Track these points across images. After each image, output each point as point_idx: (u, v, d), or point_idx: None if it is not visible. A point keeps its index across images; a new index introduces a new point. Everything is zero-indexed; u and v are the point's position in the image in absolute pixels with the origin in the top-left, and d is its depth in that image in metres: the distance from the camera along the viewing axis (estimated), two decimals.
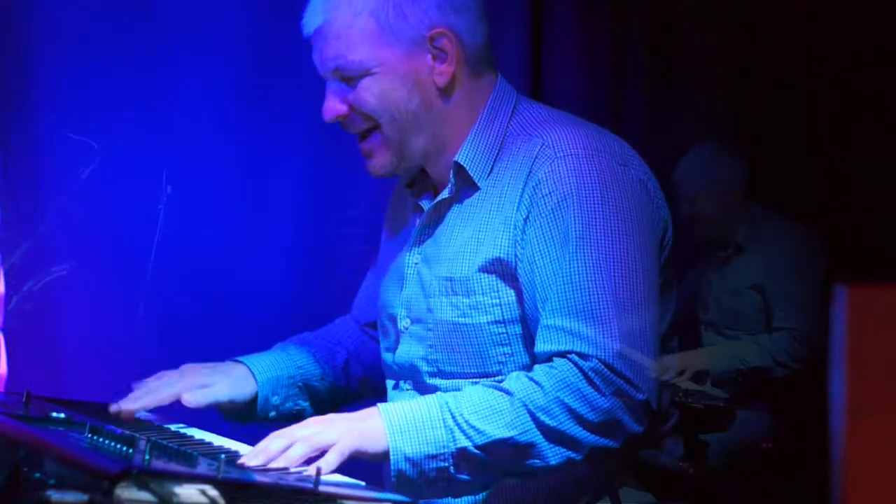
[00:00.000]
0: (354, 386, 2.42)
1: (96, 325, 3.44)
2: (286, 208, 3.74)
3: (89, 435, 1.72)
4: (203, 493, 1.45)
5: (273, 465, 1.78)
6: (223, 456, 1.74)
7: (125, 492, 1.41)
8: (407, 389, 2.15)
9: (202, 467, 1.62)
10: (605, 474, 2.07)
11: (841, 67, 4.25)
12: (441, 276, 2.08)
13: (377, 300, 2.30)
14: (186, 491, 1.44)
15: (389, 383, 2.22)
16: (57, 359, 3.41)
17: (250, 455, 1.83)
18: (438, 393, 1.97)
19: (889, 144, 3.99)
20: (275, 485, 1.60)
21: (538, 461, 1.90)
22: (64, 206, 3.41)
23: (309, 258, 3.76)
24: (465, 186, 2.10)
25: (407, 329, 2.14)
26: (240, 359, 2.32)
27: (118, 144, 3.38)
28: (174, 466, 1.57)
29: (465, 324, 2.04)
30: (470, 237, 2.07)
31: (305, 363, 2.36)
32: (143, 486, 1.42)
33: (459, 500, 2.03)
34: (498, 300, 2.03)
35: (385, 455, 1.87)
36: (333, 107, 2.10)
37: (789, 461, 3.92)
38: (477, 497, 2.04)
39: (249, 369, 2.30)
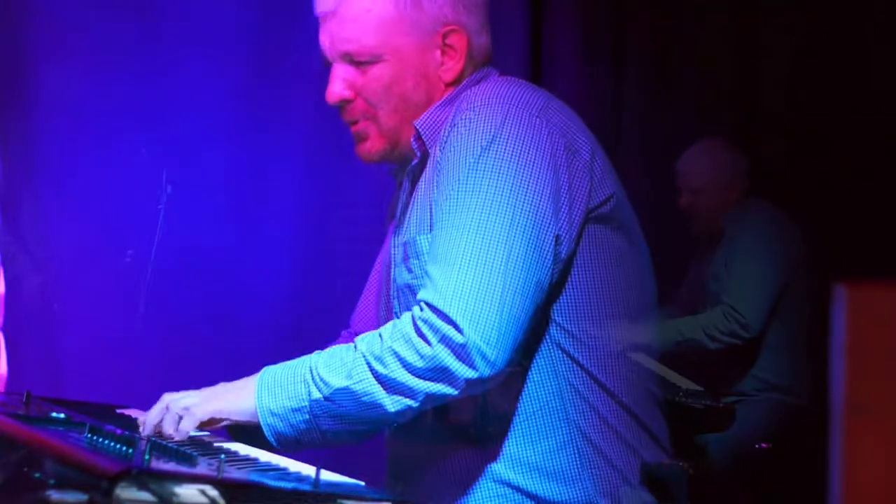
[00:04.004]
0: None
1: (97, 325, 3.44)
2: (286, 207, 3.74)
3: (89, 435, 1.72)
4: (203, 493, 1.45)
5: (144, 432, 1.95)
6: (223, 456, 1.75)
7: (125, 492, 1.41)
8: None
9: (202, 467, 1.62)
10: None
11: (841, 66, 4.25)
12: (401, 243, 2.11)
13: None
14: (186, 491, 1.44)
15: None
16: (57, 359, 3.42)
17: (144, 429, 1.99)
18: (317, 351, 2.03)
19: (890, 143, 3.99)
20: (275, 485, 1.60)
21: (379, 409, 1.93)
22: (64, 205, 3.41)
23: (309, 257, 3.76)
24: (427, 155, 2.12)
25: (393, 309, 2.15)
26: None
27: (118, 144, 3.39)
28: (174, 466, 1.57)
29: (419, 285, 2.05)
30: (418, 200, 2.10)
31: None
32: (142, 486, 1.42)
33: None
34: None
35: (253, 415, 1.97)
36: (339, 90, 2.11)
37: (789, 460, 3.92)
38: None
39: None
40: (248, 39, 3.66)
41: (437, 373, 1.90)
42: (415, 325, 1.91)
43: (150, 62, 3.48)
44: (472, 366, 1.89)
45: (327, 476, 1.72)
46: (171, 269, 3.47)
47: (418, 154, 2.12)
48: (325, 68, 2.16)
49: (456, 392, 1.92)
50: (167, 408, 1.99)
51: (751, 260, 4.08)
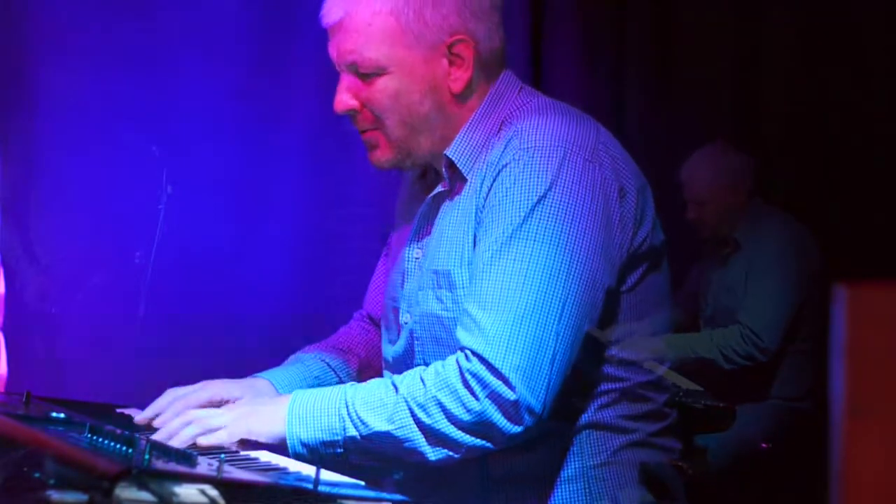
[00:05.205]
0: None
1: (97, 325, 3.44)
2: (286, 207, 3.74)
3: (89, 435, 1.72)
4: (203, 493, 1.45)
5: (169, 442, 1.90)
6: (223, 456, 1.75)
7: (125, 492, 1.41)
8: None
9: (202, 467, 1.62)
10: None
11: (842, 67, 4.25)
12: (430, 270, 2.10)
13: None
14: (186, 491, 1.44)
15: (386, 375, 2.22)
16: (57, 359, 3.42)
17: (158, 434, 1.95)
18: (350, 382, 2.03)
19: (891, 143, 3.99)
20: (275, 485, 1.60)
21: (419, 456, 1.93)
22: (64, 205, 3.41)
23: (309, 255, 3.76)
24: (458, 180, 2.11)
25: (406, 323, 2.14)
26: (259, 374, 2.32)
27: (118, 144, 3.39)
28: (174, 466, 1.57)
29: (449, 317, 2.04)
30: (453, 230, 2.08)
31: (322, 374, 2.36)
32: (142, 486, 1.42)
33: None
34: None
35: (282, 441, 1.95)
36: (346, 100, 2.10)
37: (789, 461, 3.92)
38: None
39: (271, 383, 2.29)
40: (248, 39, 3.66)
41: (483, 427, 1.90)
42: (462, 376, 1.90)
43: (150, 62, 3.48)
44: (518, 422, 1.89)
45: (327, 476, 1.72)
46: (171, 269, 3.47)
47: (448, 184, 2.11)
48: (328, 71, 2.16)
49: (498, 446, 1.92)
50: (191, 422, 1.97)
51: (770, 278, 4.03)
